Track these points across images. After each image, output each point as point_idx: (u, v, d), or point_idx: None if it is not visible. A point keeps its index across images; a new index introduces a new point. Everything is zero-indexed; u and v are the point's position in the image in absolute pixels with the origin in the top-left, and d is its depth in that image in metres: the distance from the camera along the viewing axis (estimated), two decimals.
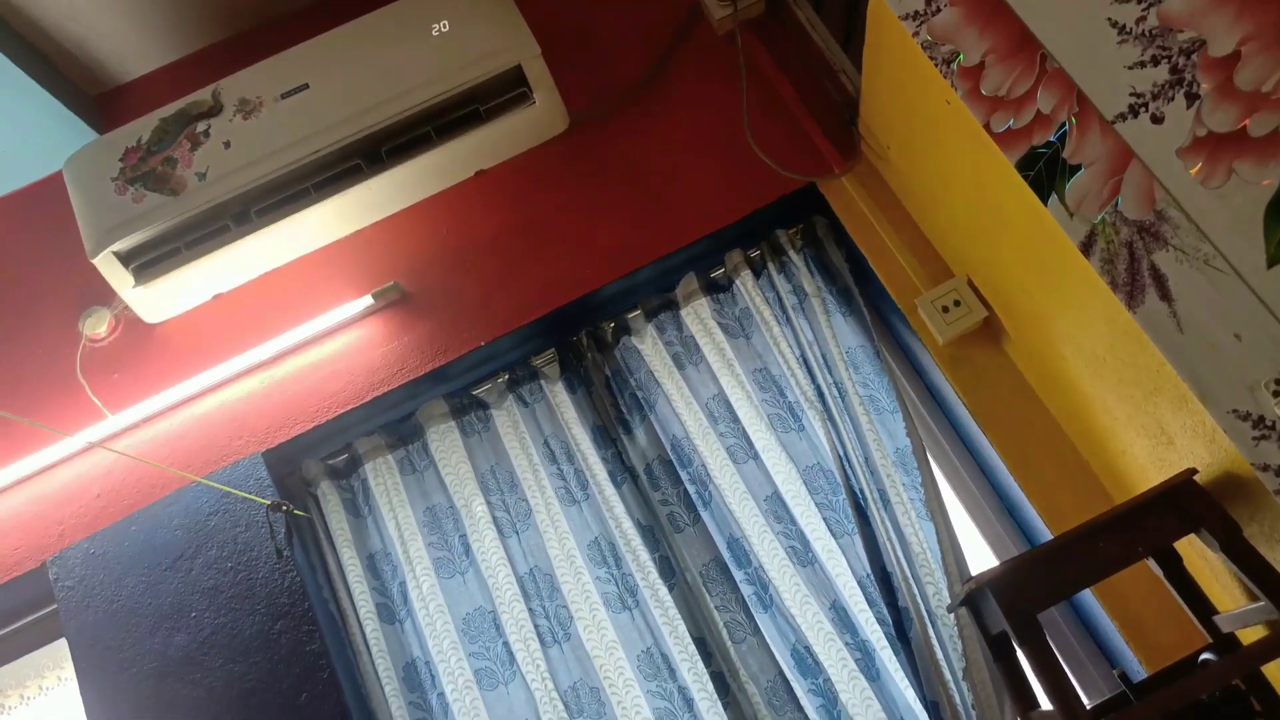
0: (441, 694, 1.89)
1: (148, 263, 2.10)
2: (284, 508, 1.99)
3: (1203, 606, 1.57)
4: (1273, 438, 0.96)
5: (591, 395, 2.09)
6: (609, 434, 2.05)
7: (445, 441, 2.10)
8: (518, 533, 2.00)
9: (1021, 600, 1.44)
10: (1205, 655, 1.52)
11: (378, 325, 2.20)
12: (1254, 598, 1.43)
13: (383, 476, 2.08)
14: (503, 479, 2.05)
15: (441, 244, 2.25)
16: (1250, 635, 1.49)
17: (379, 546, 2.03)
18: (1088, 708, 1.39)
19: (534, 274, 2.20)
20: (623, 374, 2.10)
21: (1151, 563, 1.62)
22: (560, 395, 2.11)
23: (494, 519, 2.00)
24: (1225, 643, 1.53)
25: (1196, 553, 1.60)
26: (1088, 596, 1.84)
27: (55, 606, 2.00)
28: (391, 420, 2.15)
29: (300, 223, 2.14)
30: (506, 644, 1.91)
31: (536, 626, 1.90)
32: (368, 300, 2.16)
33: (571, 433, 2.07)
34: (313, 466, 2.08)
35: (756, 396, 2.05)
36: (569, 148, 2.31)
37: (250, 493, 2.00)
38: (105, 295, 2.21)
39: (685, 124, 2.30)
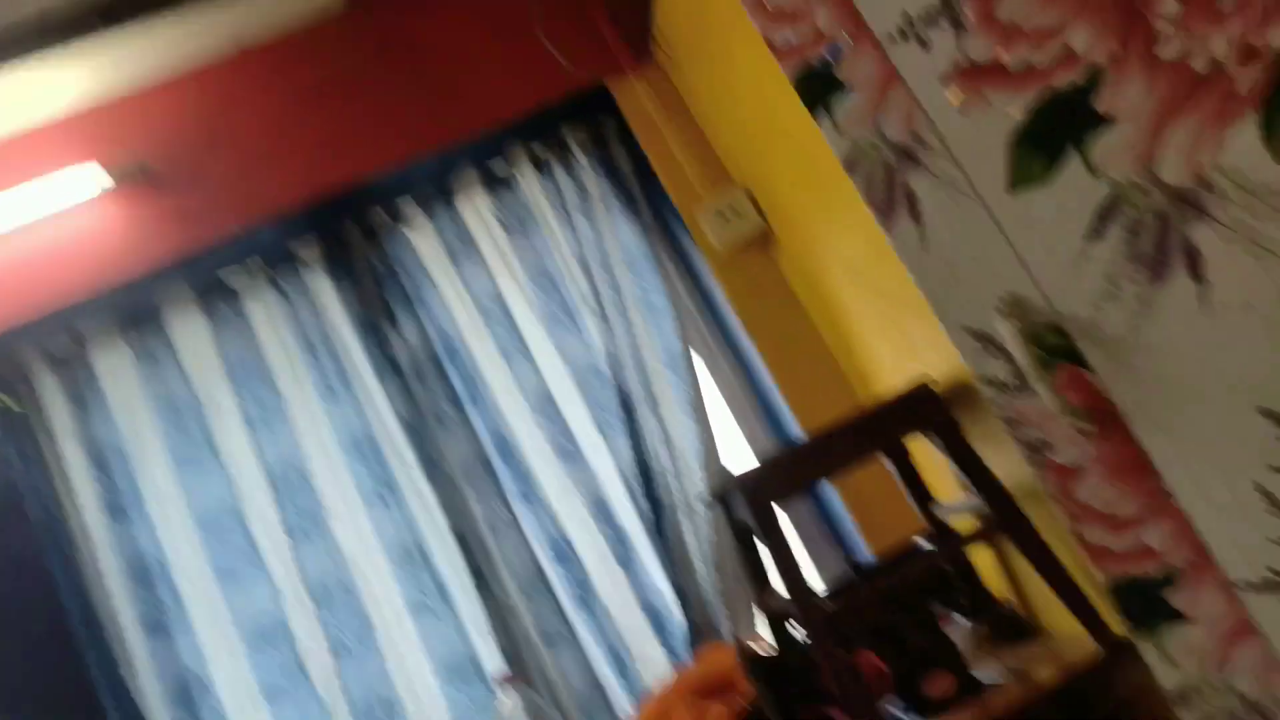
0: (175, 589, 1.79)
1: None
2: None
3: (926, 500, 1.75)
4: (995, 352, 1.05)
5: (357, 286, 1.99)
6: (375, 326, 1.96)
7: (189, 329, 1.94)
8: (269, 426, 1.89)
9: (764, 496, 1.53)
10: (921, 541, 1.70)
11: (119, 206, 1.96)
12: (970, 493, 1.60)
13: (113, 365, 1.90)
14: (254, 370, 1.93)
15: (197, 123, 2.03)
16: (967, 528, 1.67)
17: (108, 439, 1.86)
18: (818, 594, 1.53)
19: (299, 158, 2.03)
20: (392, 265, 2.01)
21: (885, 460, 1.77)
22: (323, 284, 1.99)
23: (242, 411, 1.88)
24: (943, 530, 1.72)
25: (927, 453, 1.77)
26: (832, 494, 2.00)
27: None
28: (125, 305, 1.94)
29: (25, 83, 1.85)
30: (252, 540, 1.82)
31: (286, 522, 1.83)
32: (105, 177, 1.92)
33: (333, 324, 1.96)
34: (28, 353, 1.86)
35: (533, 295, 2.03)
36: (344, 28, 2.13)
37: None
38: None
39: (472, 9, 2.17)
